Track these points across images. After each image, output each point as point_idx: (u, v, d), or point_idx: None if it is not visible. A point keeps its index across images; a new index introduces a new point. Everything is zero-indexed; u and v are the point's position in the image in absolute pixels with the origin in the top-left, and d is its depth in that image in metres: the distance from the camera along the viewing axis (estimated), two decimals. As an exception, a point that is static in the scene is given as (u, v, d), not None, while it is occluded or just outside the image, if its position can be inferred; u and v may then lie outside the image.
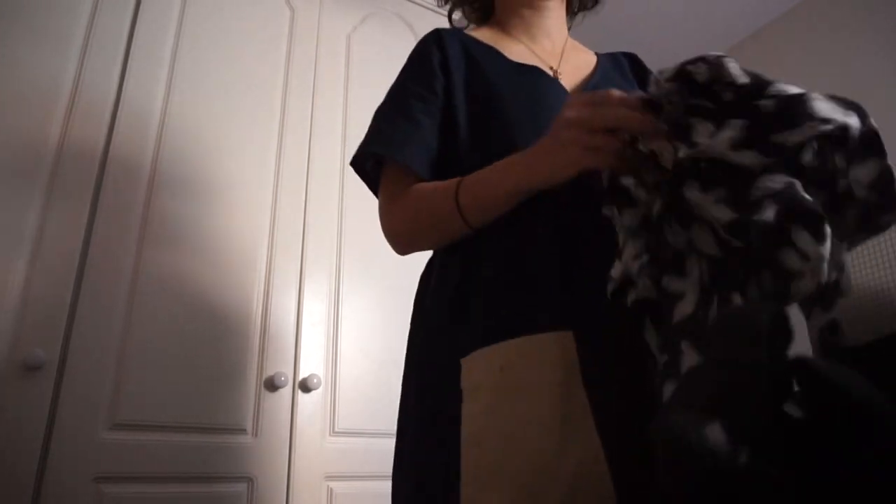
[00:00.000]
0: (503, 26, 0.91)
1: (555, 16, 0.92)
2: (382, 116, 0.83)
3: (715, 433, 0.29)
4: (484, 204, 0.70)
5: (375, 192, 0.85)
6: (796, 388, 0.34)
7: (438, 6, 1.02)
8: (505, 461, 0.59)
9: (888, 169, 0.47)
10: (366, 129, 0.82)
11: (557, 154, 0.63)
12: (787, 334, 0.36)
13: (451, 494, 0.61)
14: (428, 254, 0.83)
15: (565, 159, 0.62)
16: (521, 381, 0.61)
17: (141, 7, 1.52)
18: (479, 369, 0.65)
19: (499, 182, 0.69)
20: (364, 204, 1.66)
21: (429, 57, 0.82)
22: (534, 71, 0.83)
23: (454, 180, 0.72)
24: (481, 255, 0.72)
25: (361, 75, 1.80)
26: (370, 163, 0.84)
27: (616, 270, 0.58)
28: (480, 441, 0.62)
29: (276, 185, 1.56)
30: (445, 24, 2.25)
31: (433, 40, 0.84)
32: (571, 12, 0.98)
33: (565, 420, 0.59)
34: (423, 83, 0.81)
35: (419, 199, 0.75)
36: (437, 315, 0.74)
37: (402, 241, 0.80)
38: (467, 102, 0.80)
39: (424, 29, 2.01)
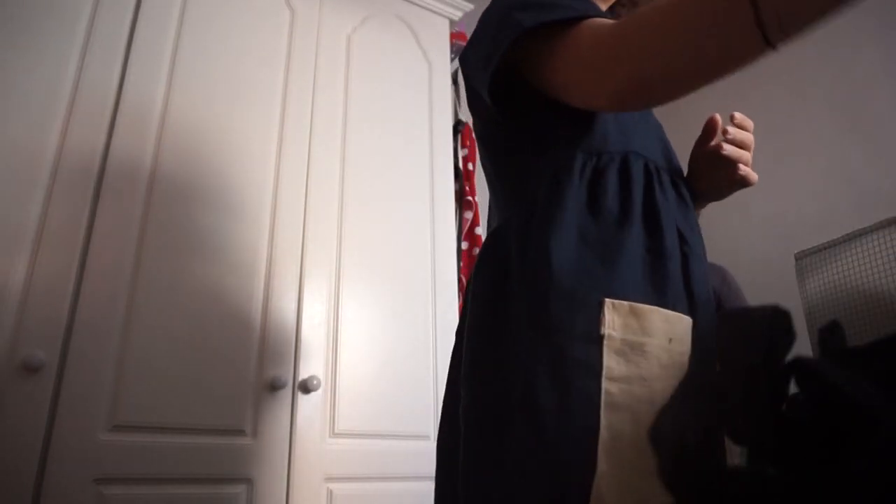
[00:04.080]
0: None
1: None
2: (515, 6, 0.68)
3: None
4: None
5: (502, 117, 0.72)
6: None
7: None
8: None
9: None
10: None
11: None
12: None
13: (589, 461, 0.52)
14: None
15: None
16: (681, 358, 0.57)
17: (141, 7, 1.52)
18: (646, 326, 0.57)
19: None
20: (364, 204, 1.66)
21: None
22: None
23: None
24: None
25: (361, 76, 1.80)
26: (496, 84, 0.69)
27: None
28: (628, 406, 0.53)
29: (276, 186, 1.56)
30: (445, 25, 2.24)
31: None
32: None
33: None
34: None
35: (655, 13, 0.56)
36: (569, 250, 0.63)
37: (636, 81, 0.59)
38: None
39: (425, 30, 2.02)
